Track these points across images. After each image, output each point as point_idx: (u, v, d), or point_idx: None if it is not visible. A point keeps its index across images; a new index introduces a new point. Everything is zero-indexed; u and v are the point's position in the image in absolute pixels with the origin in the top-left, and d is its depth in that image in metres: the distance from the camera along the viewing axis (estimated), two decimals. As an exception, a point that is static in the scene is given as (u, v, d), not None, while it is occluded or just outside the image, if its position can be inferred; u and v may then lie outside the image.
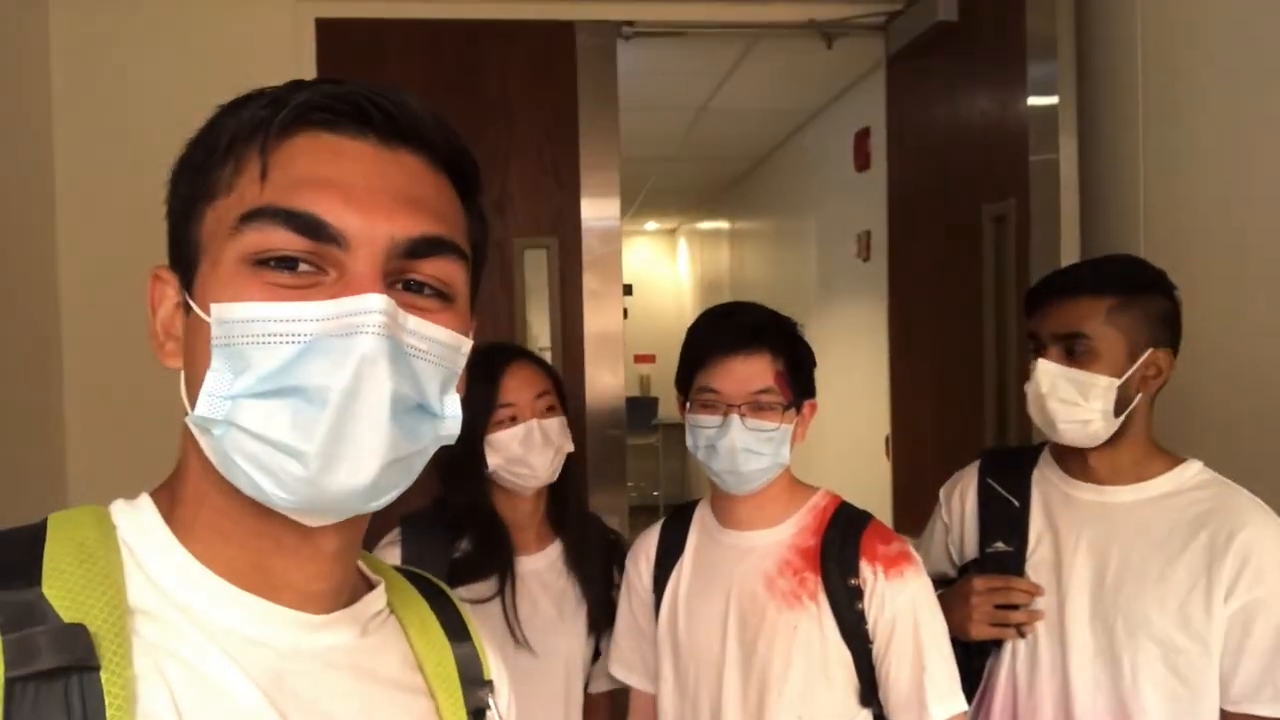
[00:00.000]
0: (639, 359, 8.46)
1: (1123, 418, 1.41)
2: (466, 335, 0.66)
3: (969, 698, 1.41)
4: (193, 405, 0.59)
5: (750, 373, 1.39)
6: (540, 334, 2.63)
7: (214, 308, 0.58)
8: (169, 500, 0.64)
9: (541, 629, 1.57)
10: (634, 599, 1.58)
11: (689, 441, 1.45)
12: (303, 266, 0.58)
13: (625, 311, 2.78)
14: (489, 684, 0.76)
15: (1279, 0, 1.68)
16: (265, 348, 0.57)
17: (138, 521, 0.63)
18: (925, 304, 2.70)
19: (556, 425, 1.60)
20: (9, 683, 0.51)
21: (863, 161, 4.03)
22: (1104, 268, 1.50)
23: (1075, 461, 1.49)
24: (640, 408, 7.97)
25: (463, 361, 0.66)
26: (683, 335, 1.49)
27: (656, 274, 9.26)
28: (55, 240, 2.38)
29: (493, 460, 1.57)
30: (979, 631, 1.48)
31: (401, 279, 0.61)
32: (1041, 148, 2.10)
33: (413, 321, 0.60)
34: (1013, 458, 1.62)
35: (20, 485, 2.16)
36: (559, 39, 2.57)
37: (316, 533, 0.63)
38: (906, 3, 2.60)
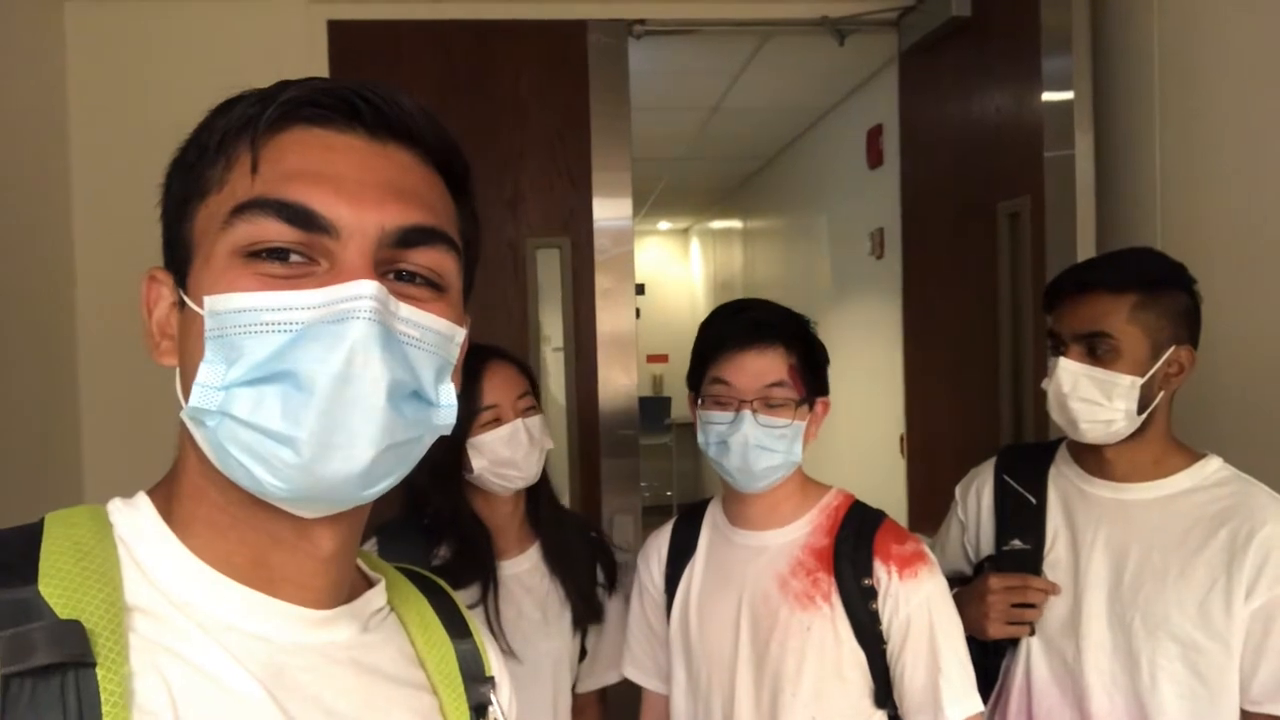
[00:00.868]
0: (652, 359, 8.45)
1: (1145, 415, 1.40)
2: (460, 326, 0.66)
3: (984, 697, 1.40)
4: (187, 399, 0.59)
5: (763, 367, 1.38)
6: (553, 334, 2.63)
7: (207, 300, 0.58)
8: (166, 498, 0.64)
9: (527, 633, 1.54)
10: (646, 599, 1.57)
11: (700, 438, 1.44)
12: (294, 257, 0.59)
13: (638, 311, 2.78)
14: (490, 680, 0.76)
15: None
16: (257, 336, 0.57)
17: (135, 519, 0.63)
18: (940, 302, 2.68)
19: (538, 423, 1.58)
20: (5, 679, 0.51)
21: (875, 159, 4.01)
22: (1125, 263, 1.47)
23: (1093, 458, 1.48)
24: (653, 408, 7.97)
25: (457, 352, 0.66)
26: (695, 335, 1.48)
27: (669, 274, 9.24)
28: (71, 239, 2.39)
29: (477, 463, 1.53)
30: (996, 630, 1.47)
31: (393, 269, 0.62)
32: (1056, 144, 2.08)
33: (405, 309, 0.60)
34: (1029, 455, 1.60)
35: (37, 484, 2.17)
36: (570, 38, 2.57)
37: (313, 528, 0.63)
38: (919, -2, 2.59)
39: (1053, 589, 1.46)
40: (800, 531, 1.43)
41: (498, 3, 2.55)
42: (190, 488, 0.63)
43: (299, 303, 0.57)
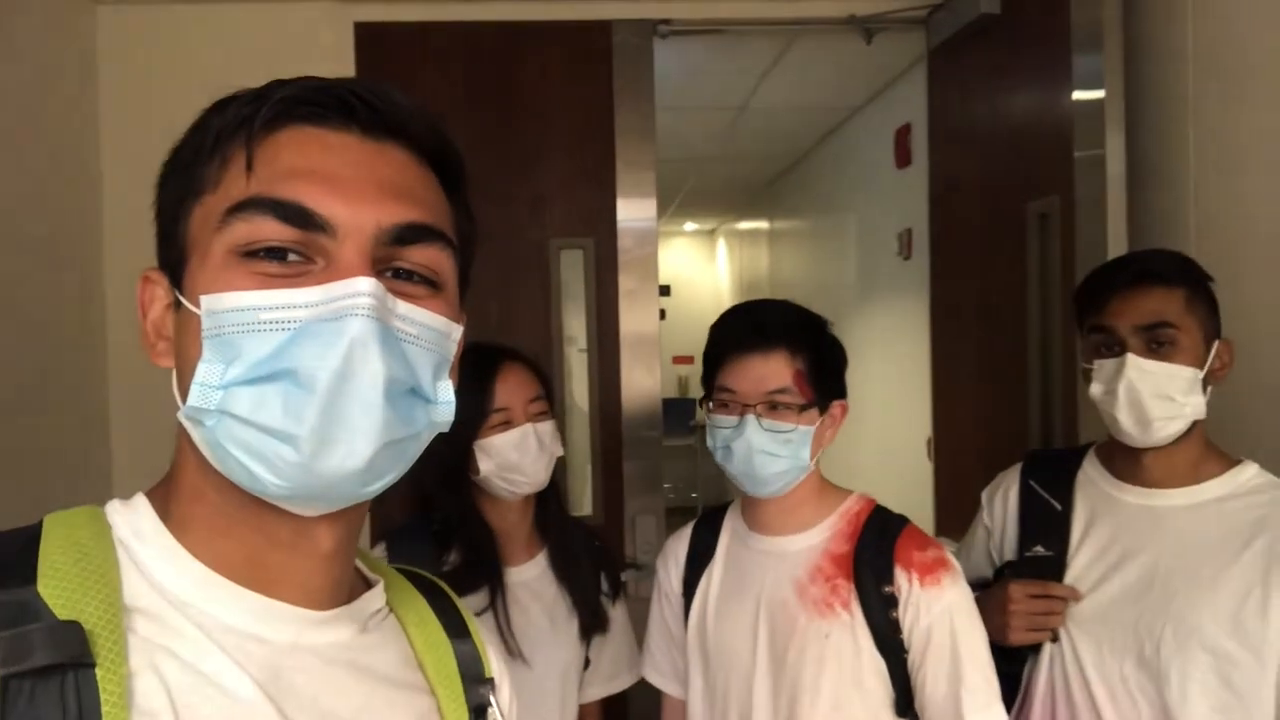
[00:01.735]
0: (677, 360, 8.44)
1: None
2: (457, 323, 0.66)
3: (1008, 705, 1.37)
4: (184, 400, 0.59)
5: (766, 372, 1.35)
6: (577, 334, 2.63)
7: (203, 299, 0.59)
8: (164, 499, 0.64)
9: (535, 639, 1.52)
10: (664, 602, 1.55)
11: (709, 442, 1.42)
12: (291, 256, 0.59)
13: (663, 313, 2.77)
14: (490, 681, 0.76)
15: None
16: (255, 335, 0.57)
17: (133, 520, 0.63)
18: (968, 303, 2.65)
19: (549, 429, 1.56)
20: (4, 680, 0.51)
21: (904, 158, 3.98)
22: (1166, 258, 1.43)
23: (1126, 463, 1.44)
24: (679, 409, 7.95)
25: (454, 349, 0.66)
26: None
27: (695, 275, 9.22)
28: (101, 241, 2.42)
29: (484, 466, 1.51)
30: (1018, 637, 1.44)
31: (389, 267, 0.62)
32: (1087, 143, 2.05)
33: (402, 306, 0.61)
34: (1056, 460, 1.57)
35: (66, 481, 2.19)
36: (595, 38, 2.57)
37: (311, 527, 0.63)
38: (947, -4, 2.56)
39: (1074, 595, 1.43)
40: (820, 537, 1.40)
41: (523, 3, 2.55)
42: (188, 488, 0.63)
43: (296, 301, 0.57)
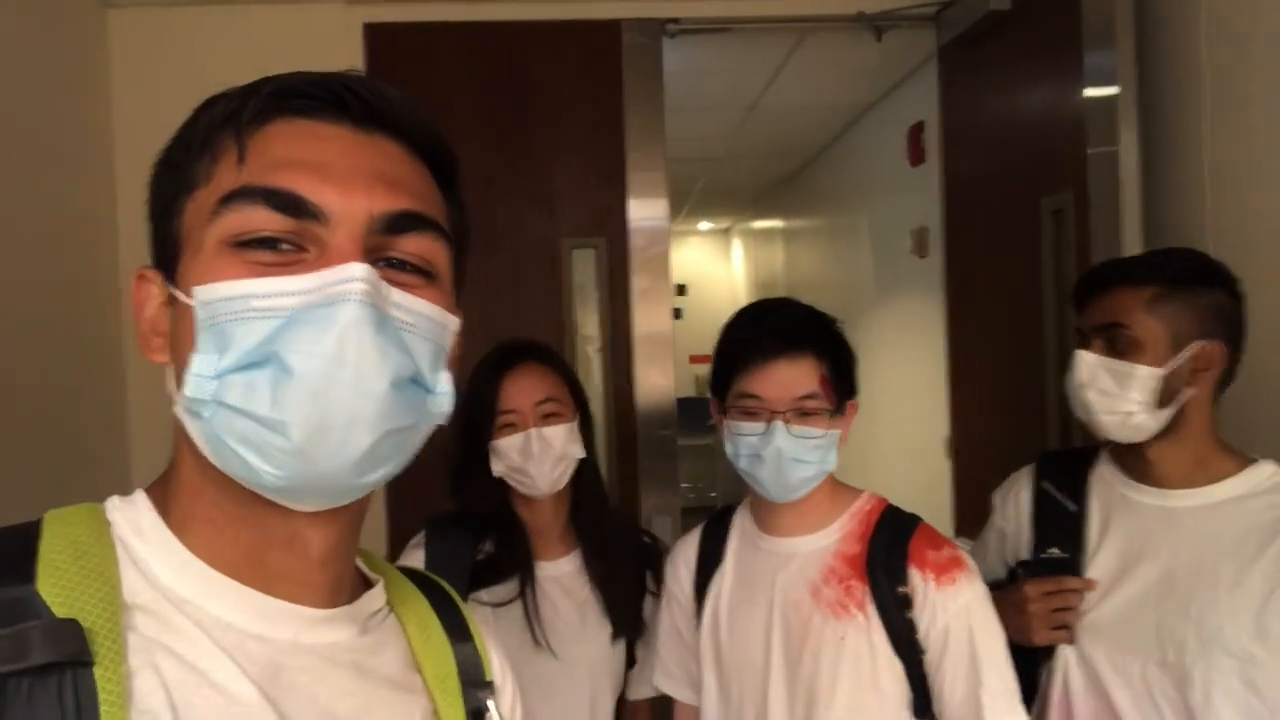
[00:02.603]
0: (694, 359, 8.42)
1: (1171, 411, 1.35)
2: (453, 314, 0.65)
3: (1026, 707, 1.35)
4: (180, 393, 0.59)
5: (795, 377, 1.33)
6: (591, 334, 2.63)
7: (196, 290, 0.58)
8: (163, 496, 0.64)
9: (563, 634, 1.53)
10: (675, 607, 1.54)
11: (728, 450, 1.39)
12: (284, 245, 0.59)
13: (679, 312, 2.77)
14: (489, 685, 0.75)
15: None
16: (248, 323, 0.57)
17: (133, 517, 0.63)
18: (983, 300, 2.64)
19: (561, 432, 1.54)
20: (2, 678, 0.51)
21: (917, 156, 3.96)
22: (1151, 259, 1.47)
23: (1135, 461, 1.43)
24: (695, 408, 7.88)
25: (451, 340, 0.65)
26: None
27: (711, 274, 9.21)
28: (116, 244, 2.43)
29: (496, 467, 1.54)
30: (1042, 638, 1.43)
31: (383, 256, 0.61)
32: (1100, 139, 2.03)
33: (397, 294, 0.60)
34: (1070, 460, 1.56)
35: (85, 477, 2.21)
36: (605, 38, 2.57)
37: (309, 525, 0.62)
38: (958, -8, 2.55)
39: (1088, 585, 1.42)
40: (832, 538, 1.39)
41: (532, 3, 2.56)
42: (187, 485, 0.63)
43: (289, 288, 0.57)
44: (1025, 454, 1.66)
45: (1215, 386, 1.39)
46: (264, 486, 0.59)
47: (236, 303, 0.57)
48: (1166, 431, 1.38)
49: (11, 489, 1.87)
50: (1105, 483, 1.48)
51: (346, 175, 0.60)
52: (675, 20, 2.59)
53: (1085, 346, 1.42)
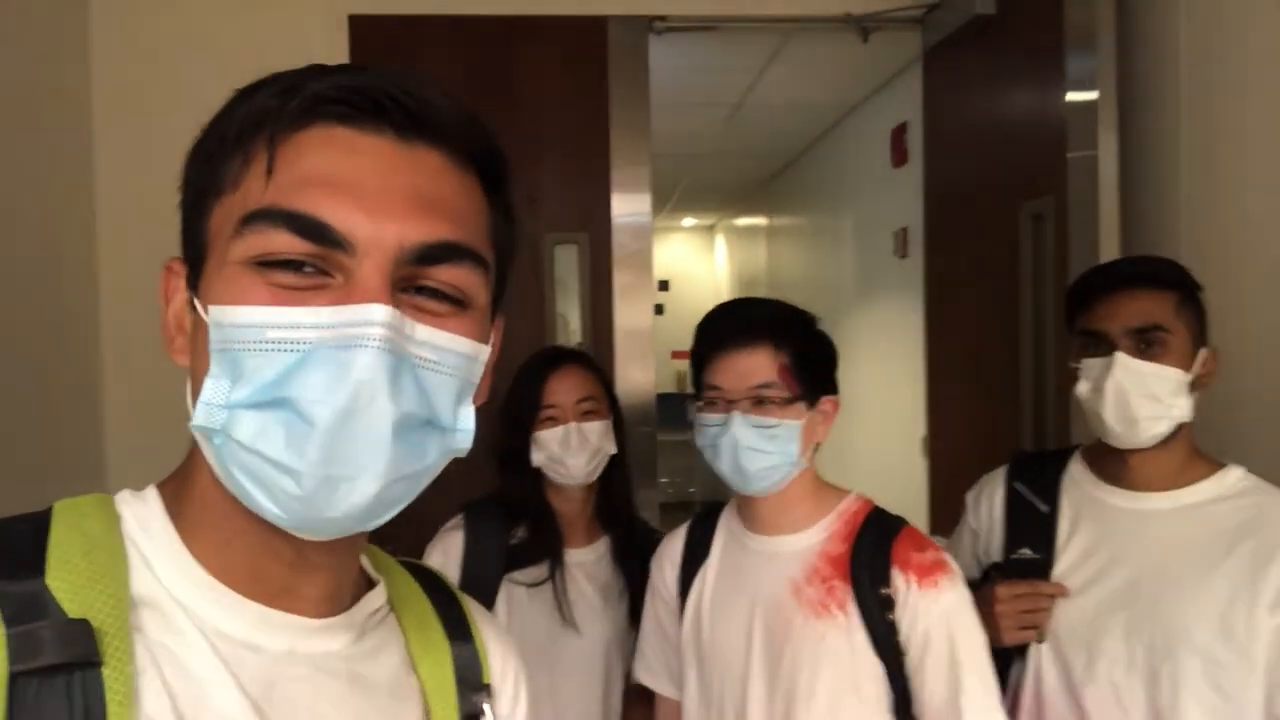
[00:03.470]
0: (676, 355, 8.43)
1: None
2: (484, 343, 0.63)
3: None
4: (194, 406, 0.58)
5: (750, 366, 1.34)
6: (573, 329, 2.63)
7: (211, 310, 0.57)
8: (176, 496, 0.63)
9: (585, 612, 1.67)
10: (659, 603, 1.54)
11: (698, 441, 1.41)
12: (307, 269, 0.56)
13: (661, 308, 2.78)
14: (486, 688, 0.74)
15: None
16: (261, 355, 0.55)
17: (143, 515, 0.62)
18: (963, 302, 2.65)
19: (597, 428, 1.69)
20: (12, 677, 0.51)
21: (900, 157, 3.98)
22: (1154, 263, 1.45)
23: (1113, 466, 1.44)
24: (676, 404, 7.89)
25: (480, 371, 0.63)
26: None
27: (694, 270, 9.22)
28: (95, 236, 2.42)
29: (536, 457, 1.67)
30: (1009, 638, 1.44)
31: (412, 284, 0.59)
32: (1080, 144, 2.05)
33: (421, 330, 0.58)
34: (1042, 462, 1.57)
35: (60, 477, 2.19)
36: (591, 34, 2.57)
37: (314, 548, 0.61)
38: (944, -5, 2.57)
39: (1060, 591, 1.43)
40: (816, 537, 1.38)
41: (519, -2, 2.55)
42: (200, 492, 0.62)
43: (306, 321, 0.55)
44: (1000, 454, 1.68)
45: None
46: (269, 519, 0.58)
47: (251, 331, 0.55)
48: (1164, 439, 1.38)
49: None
50: (1077, 485, 1.49)
51: (379, 198, 0.57)
52: (662, 17, 2.60)
53: (1102, 351, 1.38)
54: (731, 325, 1.38)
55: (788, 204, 6.38)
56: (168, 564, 0.60)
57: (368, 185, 0.57)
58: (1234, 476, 1.39)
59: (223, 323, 0.56)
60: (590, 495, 1.75)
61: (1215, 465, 1.41)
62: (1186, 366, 1.35)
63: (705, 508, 1.58)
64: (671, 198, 7.28)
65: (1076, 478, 1.50)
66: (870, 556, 1.33)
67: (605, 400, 1.74)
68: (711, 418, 1.38)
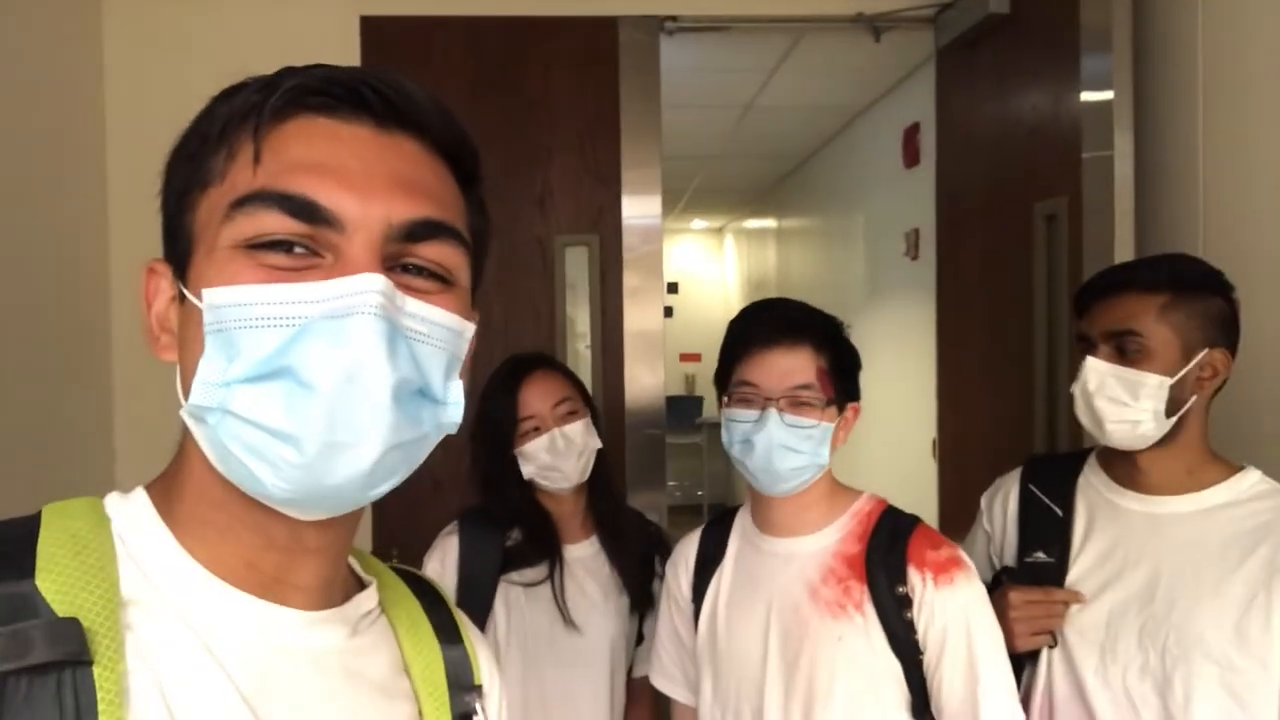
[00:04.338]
0: (685, 358, 8.43)
1: (1175, 420, 1.36)
2: (469, 321, 0.64)
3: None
4: (187, 396, 0.58)
5: (791, 366, 1.34)
6: (582, 331, 2.63)
7: (205, 293, 0.57)
8: (165, 495, 0.63)
9: (587, 610, 1.67)
10: (674, 608, 1.53)
11: (724, 437, 1.40)
12: (298, 249, 0.57)
13: (670, 310, 2.78)
14: (478, 689, 0.75)
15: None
16: (259, 331, 0.55)
17: (132, 515, 0.62)
18: (975, 304, 2.64)
19: (580, 428, 1.68)
20: (1, 676, 0.50)
21: (912, 158, 3.97)
22: (1157, 265, 1.44)
23: (1124, 468, 1.43)
24: (685, 407, 7.94)
25: (466, 347, 0.64)
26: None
27: (703, 273, 9.21)
28: (107, 236, 2.42)
29: (527, 470, 1.68)
30: (1022, 644, 1.42)
31: (399, 263, 0.60)
32: (1095, 144, 2.04)
33: (411, 304, 0.59)
34: (1057, 465, 1.56)
35: (71, 472, 2.19)
36: (602, 35, 2.56)
37: (308, 529, 0.62)
38: (957, -5, 2.55)
39: (1076, 599, 1.42)
40: (831, 538, 1.38)
41: (529, -1, 2.55)
42: (192, 487, 0.62)
43: (301, 296, 0.56)
44: (1011, 457, 1.67)
45: (1212, 394, 1.39)
46: (269, 497, 0.58)
47: (246, 309, 0.56)
48: (1164, 440, 1.37)
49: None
50: (1092, 488, 1.48)
51: (365, 180, 0.59)
52: (674, 17, 2.59)
53: (1090, 353, 1.40)
54: (773, 323, 1.37)
55: (798, 205, 6.37)
56: (159, 561, 0.60)
57: (352, 168, 0.59)
58: (1251, 480, 1.37)
59: (217, 304, 0.56)
60: (582, 493, 1.76)
61: (1232, 468, 1.39)
62: (1169, 369, 1.34)
63: (717, 511, 1.57)
64: (681, 200, 7.28)
65: (1091, 480, 1.49)
66: (885, 555, 1.33)
67: (580, 398, 1.73)
68: (744, 414, 1.36)
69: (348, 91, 0.60)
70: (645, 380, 2.61)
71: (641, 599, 1.74)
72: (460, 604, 0.84)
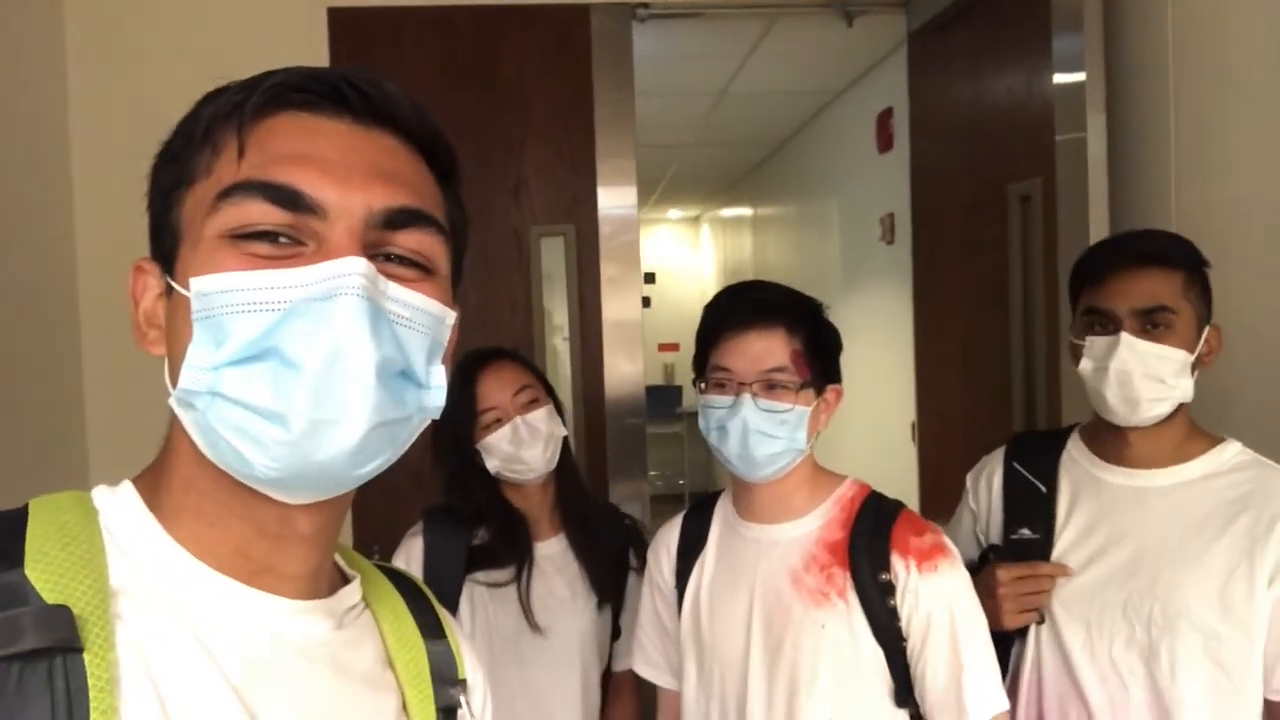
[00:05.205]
0: (663, 347, 8.44)
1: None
2: (450, 309, 0.66)
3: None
4: (175, 384, 0.59)
5: (764, 349, 1.32)
6: (560, 322, 2.62)
7: (193, 281, 0.58)
8: (153, 487, 0.64)
9: (556, 609, 1.64)
10: (657, 594, 1.53)
11: (701, 424, 1.39)
12: (282, 239, 0.59)
13: (648, 300, 2.76)
14: (462, 683, 0.76)
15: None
16: (245, 316, 0.57)
17: (120, 507, 0.63)
18: (951, 286, 2.65)
19: (542, 416, 1.65)
20: None
21: (885, 142, 3.98)
22: (1163, 239, 1.43)
23: (1112, 444, 1.44)
24: (664, 396, 7.95)
25: (448, 333, 0.66)
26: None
27: (680, 262, 9.23)
28: (73, 232, 2.38)
29: (490, 464, 1.64)
30: (1011, 621, 1.43)
31: (380, 251, 0.62)
32: (1068, 126, 2.05)
33: (393, 288, 0.61)
34: (1041, 442, 1.56)
35: (42, 471, 2.16)
36: (573, 23, 2.54)
37: (297, 514, 0.63)
38: (928, -22, 2.56)
39: (1062, 571, 1.42)
40: (813, 524, 1.37)
41: (500, -13, 2.53)
42: (180, 477, 0.63)
43: (286, 281, 0.57)
44: (990, 439, 1.67)
45: None
46: (257, 479, 0.59)
47: (233, 295, 0.57)
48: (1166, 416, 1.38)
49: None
50: (1075, 463, 1.49)
51: (345, 170, 0.61)
52: (645, 4, 2.58)
53: (1110, 329, 1.37)
54: (745, 306, 1.35)
55: (773, 193, 6.38)
56: (148, 551, 0.61)
57: (333, 159, 0.61)
58: (1231, 451, 1.39)
59: (205, 291, 0.58)
60: (549, 487, 1.71)
61: (1212, 440, 1.41)
62: (1191, 346, 1.35)
63: (699, 498, 1.56)
64: (657, 189, 7.28)
65: (1075, 457, 1.50)
66: (869, 542, 1.32)
67: (541, 386, 1.70)
68: (719, 399, 1.35)
69: (328, 89, 0.62)
70: (624, 370, 2.60)
71: (611, 593, 1.70)
72: None
